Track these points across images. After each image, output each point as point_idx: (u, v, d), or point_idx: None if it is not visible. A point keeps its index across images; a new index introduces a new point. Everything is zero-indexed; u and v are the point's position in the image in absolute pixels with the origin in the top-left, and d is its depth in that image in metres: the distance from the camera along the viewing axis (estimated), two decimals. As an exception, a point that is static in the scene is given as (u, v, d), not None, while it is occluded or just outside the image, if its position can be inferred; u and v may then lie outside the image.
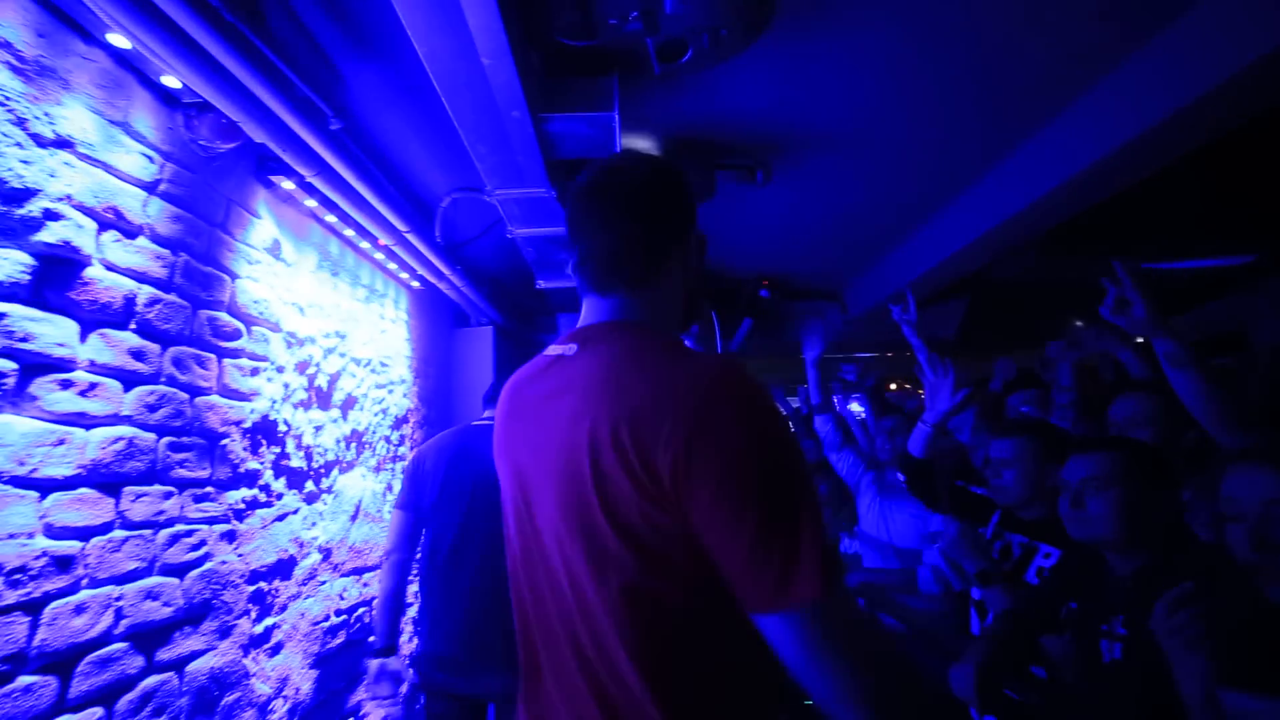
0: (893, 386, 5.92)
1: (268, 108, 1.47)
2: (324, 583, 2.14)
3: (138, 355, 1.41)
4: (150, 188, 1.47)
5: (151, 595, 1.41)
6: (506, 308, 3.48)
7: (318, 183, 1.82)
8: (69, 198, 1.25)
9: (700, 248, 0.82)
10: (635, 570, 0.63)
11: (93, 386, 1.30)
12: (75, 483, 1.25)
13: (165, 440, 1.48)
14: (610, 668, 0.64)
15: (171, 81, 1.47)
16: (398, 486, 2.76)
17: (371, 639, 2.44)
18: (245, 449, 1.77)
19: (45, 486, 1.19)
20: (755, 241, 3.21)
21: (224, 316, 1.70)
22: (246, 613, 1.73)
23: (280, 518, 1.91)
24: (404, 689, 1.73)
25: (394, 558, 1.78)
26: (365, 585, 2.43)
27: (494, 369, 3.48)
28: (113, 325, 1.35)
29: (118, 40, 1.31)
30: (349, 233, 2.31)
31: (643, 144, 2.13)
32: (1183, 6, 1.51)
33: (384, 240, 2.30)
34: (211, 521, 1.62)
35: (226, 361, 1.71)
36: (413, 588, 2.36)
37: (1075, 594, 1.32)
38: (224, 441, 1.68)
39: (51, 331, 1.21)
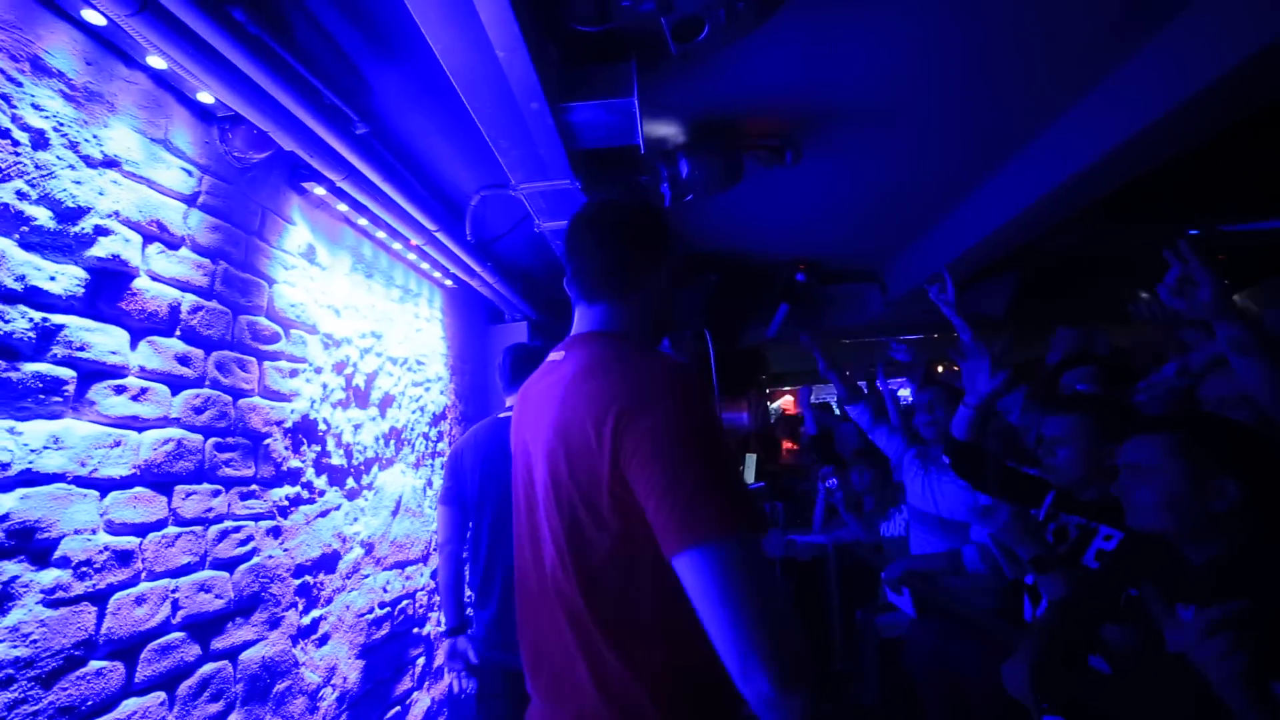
0: (939, 369, 5.70)
1: (295, 116, 1.51)
2: (367, 576, 2.21)
3: (183, 360, 1.48)
4: (190, 200, 1.53)
5: (204, 588, 1.49)
6: (540, 302, 3.50)
7: (347, 186, 1.86)
8: (117, 214, 1.31)
9: (675, 277, 0.99)
10: (589, 529, 0.79)
11: (143, 391, 1.37)
12: (131, 482, 1.32)
13: (211, 441, 1.55)
14: (580, 615, 0.81)
15: (206, 97, 1.52)
16: (437, 482, 2.83)
17: (415, 630, 2.52)
18: (287, 448, 1.83)
19: (105, 486, 1.27)
20: (789, 225, 3.12)
21: (263, 321, 1.77)
22: (294, 605, 1.80)
23: (323, 514, 1.98)
24: (472, 659, 1.83)
25: (446, 550, 1.91)
26: (408, 579, 2.50)
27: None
28: (159, 333, 1.42)
29: (156, 62, 1.37)
30: (381, 234, 2.37)
31: (665, 130, 2.09)
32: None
33: (415, 240, 2.34)
34: (257, 518, 1.69)
35: (267, 364, 1.77)
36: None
37: (1137, 580, 1.23)
38: (266, 441, 1.75)
39: (105, 340, 1.28)
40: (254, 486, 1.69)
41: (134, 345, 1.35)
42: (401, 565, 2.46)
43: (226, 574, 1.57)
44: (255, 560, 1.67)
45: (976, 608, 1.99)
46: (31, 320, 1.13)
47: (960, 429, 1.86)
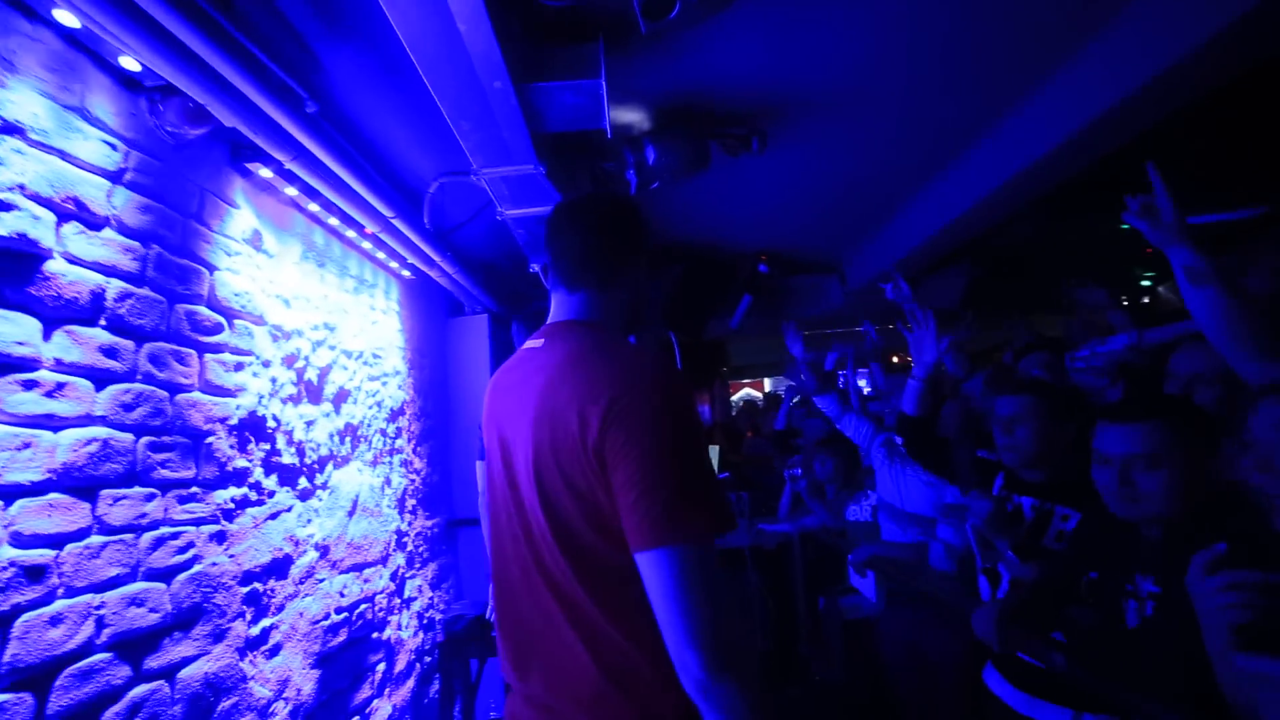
0: (895, 360, 5.87)
1: (237, 89, 1.39)
2: (322, 581, 2.09)
3: (110, 353, 1.35)
4: (114, 177, 1.39)
5: (136, 602, 1.36)
6: (501, 294, 3.40)
7: (296, 168, 1.74)
8: (21, 187, 1.18)
9: (650, 272, 1.02)
10: (576, 514, 0.82)
11: (60, 386, 1.23)
12: (45, 488, 1.19)
13: (144, 440, 1.42)
14: (574, 594, 0.83)
15: (130, 63, 1.38)
16: (396, 479, 2.72)
17: (375, 635, 2.41)
18: (232, 446, 1.71)
19: (10, 493, 1.13)
20: (753, 215, 3.12)
21: (203, 310, 1.64)
22: (241, 614, 1.68)
23: (273, 516, 1.86)
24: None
25: (482, 499, 1.94)
26: (366, 581, 2.38)
27: (490, 358, 3.42)
28: (80, 322, 1.28)
29: (65, 18, 1.23)
30: (333, 221, 2.24)
31: (632, 116, 2.04)
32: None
33: (370, 228, 2.22)
34: (199, 523, 1.56)
35: (208, 357, 1.64)
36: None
37: (1097, 561, 1.27)
38: (209, 440, 1.62)
39: (10, 329, 1.14)
40: (195, 489, 1.56)
41: (48, 335, 1.22)
42: (359, 568, 2.34)
43: (163, 585, 1.44)
44: (196, 569, 1.54)
45: (942, 591, 2.04)
46: (-77, 306, 1.00)
47: (910, 403, 1.89)
